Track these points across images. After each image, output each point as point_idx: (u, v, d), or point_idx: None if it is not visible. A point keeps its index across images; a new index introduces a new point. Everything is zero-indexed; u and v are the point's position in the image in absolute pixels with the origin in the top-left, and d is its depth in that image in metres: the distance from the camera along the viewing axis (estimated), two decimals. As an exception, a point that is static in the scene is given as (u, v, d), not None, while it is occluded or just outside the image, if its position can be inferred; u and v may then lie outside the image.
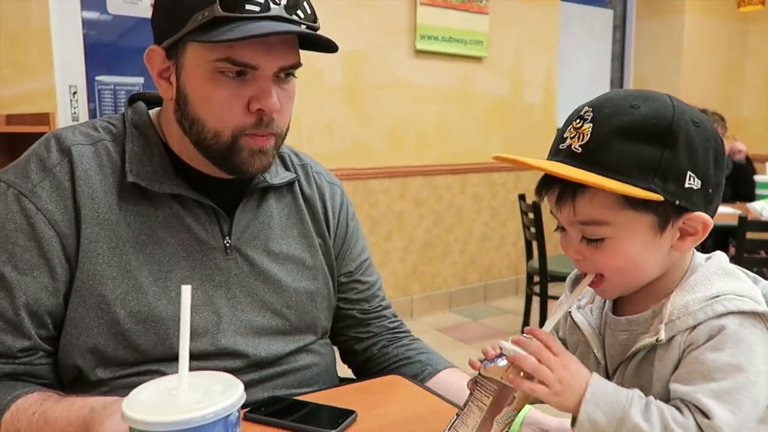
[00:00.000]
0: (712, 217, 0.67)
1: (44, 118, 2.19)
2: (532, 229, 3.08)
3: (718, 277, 0.67)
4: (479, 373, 0.68)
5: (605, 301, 0.76)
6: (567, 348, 0.81)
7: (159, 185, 0.86)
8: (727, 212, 3.06)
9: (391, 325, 1.09)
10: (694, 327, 0.64)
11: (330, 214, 1.04)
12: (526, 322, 3.40)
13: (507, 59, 3.98)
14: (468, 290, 4.03)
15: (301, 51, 0.87)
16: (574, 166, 0.64)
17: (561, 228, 0.71)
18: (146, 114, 0.91)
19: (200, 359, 0.84)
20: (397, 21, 3.48)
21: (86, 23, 2.74)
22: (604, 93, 0.69)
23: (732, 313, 0.63)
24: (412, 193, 3.70)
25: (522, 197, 3.28)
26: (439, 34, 3.62)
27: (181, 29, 0.79)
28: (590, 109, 0.66)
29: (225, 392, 0.55)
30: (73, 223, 0.81)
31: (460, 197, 3.91)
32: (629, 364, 0.69)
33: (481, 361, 0.69)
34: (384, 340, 1.07)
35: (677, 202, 0.63)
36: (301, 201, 1.01)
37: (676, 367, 0.65)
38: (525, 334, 0.68)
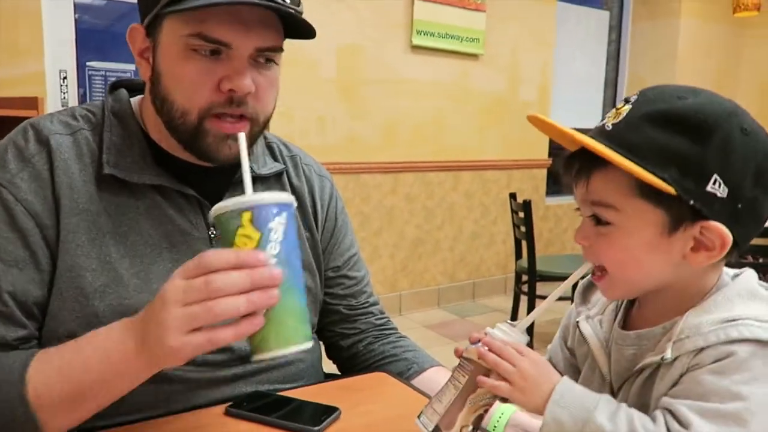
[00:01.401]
0: (742, 241, 0.62)
1: (33, 102, 2.15)
2: (522, 228, 3.08)
3: (742, 299, 0.62)
4: (461, 356, 0.68)
5: (616, 315, 0.73)
6: (576, 359, 0.79)
7: (138, 176, 0.83)
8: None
9: (378, 322, 1.08)
10: (702, 349, 0.60)
11: (318, 207, 1.02)
12: (513, 320, 3.39)
13: (503, 57, 3.97)
14: (457, 287, 4.03)
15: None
16: (597, 141, 0.61)
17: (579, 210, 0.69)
18: (127, 102, 0.89)
19: None
20: (393, 15, 3.46)
21: (79, 7, 2.71)
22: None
23: (747, 340, 0.58)
24: (404, 188, 3.69)
25: (513, 196, 3.28)
26: (436, 30, 3.61)
27: (158, 5, 0.77)
28: (638, 93, 0.64)
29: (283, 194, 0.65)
30: (53, 213, 0.79)
31: (452, 194, 3.91)
32: (634, 382, 0.67)
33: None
34: (370, 336, 1.06)
35: (691, 202, 0.59)
36: (290, 192, 0.99)
37: (673, 386, 0.62)
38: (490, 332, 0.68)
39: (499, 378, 0.65)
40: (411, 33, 3.52)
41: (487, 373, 0.66)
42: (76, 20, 2.68)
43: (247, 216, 0.61)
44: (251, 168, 0.91)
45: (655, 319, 0.67)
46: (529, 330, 3.09)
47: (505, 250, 4.16)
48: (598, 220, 0.64)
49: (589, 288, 0.77)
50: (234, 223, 0.61)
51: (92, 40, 2.78)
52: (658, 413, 0.60)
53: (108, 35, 2.85)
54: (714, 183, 0.59)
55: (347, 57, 3.35)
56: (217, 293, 0.60)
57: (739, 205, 0.60)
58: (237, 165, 0.90)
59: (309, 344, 0.64)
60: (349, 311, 1.05)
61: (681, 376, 0.61)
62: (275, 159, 1.00)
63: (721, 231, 0.60)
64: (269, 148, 1.00)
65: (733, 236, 0.60)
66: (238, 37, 0.77)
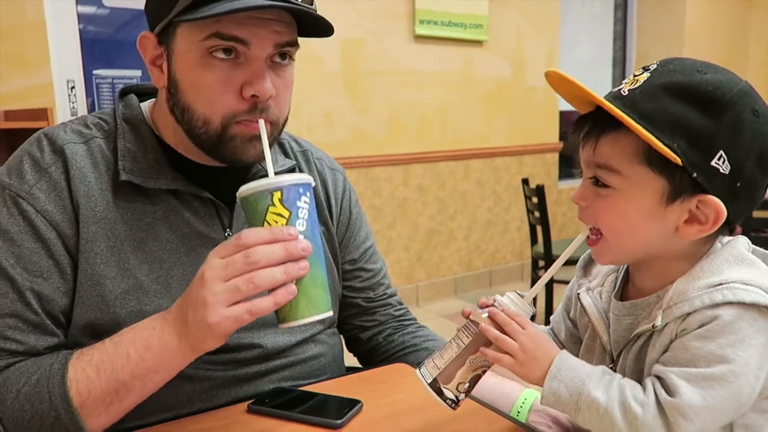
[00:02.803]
0: (734, 218, 0.63)
1: (42, 114, 2.17)
2: (536, 213, 3.06)
3: (729, 264, 0.63)
4: (468, 318, 0.70)
5: (615, 286, 0.74)
6: (578, 330, 0.80)
7: (154, 181, 0.83)
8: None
9: (397, 313, 1.07)
10: (689, 314, 0.61)
11: (333, 200, 1.02)
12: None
13: (507, 42, 3.93)
14: (473, 276, 4.02)
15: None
16: (611, 104, 0.62)
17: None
18: (138, 107, 0.89)
19: (206, 353, 0.83)
20: (395, 6, 3.44)
21: (83, 17, 2.72)
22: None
23: (731, 303, 0.59)
24: (415, 180, 3.68)
25: (525, 181, 3.26)
26: (438, 19, 3.58)
27: (170, 12, 0.77)
28: (658, 63, 0.65)
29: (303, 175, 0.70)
30: (72, 223, 0.79)
31: (464, 183, 3.89)
32: (630, 349, 0.68)
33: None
34: (390, 328, 1.06)
35: (694, 174, 0.60)
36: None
37: (664, 353, 0.63)
38: (496, 303, 0.70)
39: (500, 351, 0.67)
40: (414, 23, 3.50)
41: (489, 342, 0.67)
42: (80, 30, 2.69)
43: (277, 195, 0.67)
44: (263, 166, 0.91)
45: (649, 288, 0.68)
46: (548, 315, 3.10)
47: (520, 236, 4.14)
48: (599, 183, 0.65)
49: (591, 261, 0.79)
50: (265, 202, 0.67)
51: (98, 48, 2.79)
52: (648, 381, 0.61)
53: (113, 43, 2.86)
54: (719, 159, 0.60)
55: (351, 50, 3.34)
56: (256, 265, 0.65)
57: (738, 183, 0.61)
58: (250, 165, 0.91)
59: (330, 312, 0.70)
60: (368, 303, 1.05)
61: (671, 342, 0.62)
62: (286, 155, 1.00)
63: (717, 206, 0.61)
64: (280, 144, 1.00)
65: (728, 212, 0.62)
66: (257, 34, 0.77)
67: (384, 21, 3.42)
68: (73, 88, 2.69)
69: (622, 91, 0.64)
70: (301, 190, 0.68)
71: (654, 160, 0.61)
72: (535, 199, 3.02)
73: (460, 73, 3.75)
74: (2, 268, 0.76)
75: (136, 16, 2.76)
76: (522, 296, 0.71)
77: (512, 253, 4.19)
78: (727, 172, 0.60)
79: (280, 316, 0.68)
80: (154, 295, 0.82)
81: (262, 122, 0.76)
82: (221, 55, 0.77)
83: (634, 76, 0.65)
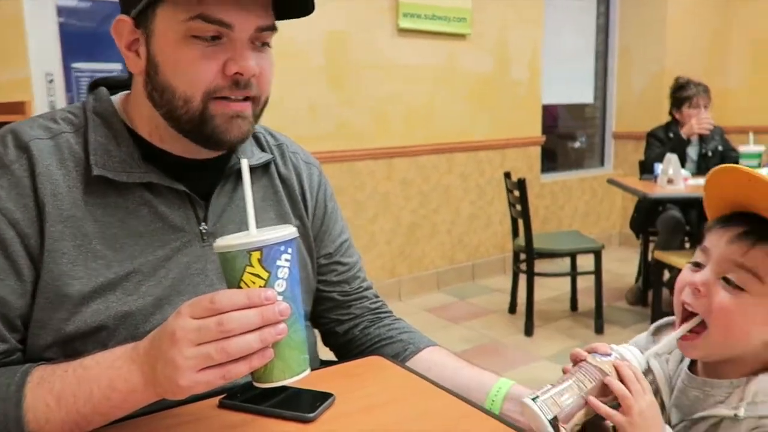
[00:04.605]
0: None
1: (19, 107, 2.13)
2: (518, 207, 3.08)
3: None
4: (586, 360, 0.72)
5: (683, 357, 0.79)
6: None
7: (127, 175, 0.82)
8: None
9: (373, 306, 1.07)
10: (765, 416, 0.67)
11: (307, 194, 1.02)
12: (513, 300, 3.41)
13: (491, 36, 3.94)
14: (456, 270, 4.03)
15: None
16: None
17: (695, 264, 0.74)
18: (109, 100, 0.87)
19: None
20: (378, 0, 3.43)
21: (62, 10, 2.68)
22: None
23: None
24: (399, 174, 3.68)
25: (507, 175, 3.27)
26: (422, 12, 3.58)
27: None
28: None
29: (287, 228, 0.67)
30: (34, 222, 0.77)
31: (447, 177, 3.90)
32: (693, 427, 0.73)
33: (588, 352, 0.73)
34: (365, 321, 1.06)
35: None
36: (278, 182, 0.99)
37: None
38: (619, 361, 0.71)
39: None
40: (397, 16, 3.50)
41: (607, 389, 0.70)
42: (60, 23, 2.66)
43: (256, 255, 0.63)
44: (239, 160, 0.91)
45: (721, 370, 0.74)
46: (529, 308, 3.11)
47: (503, 230, 4.16)
48: (730, 282, 0.69)
49: (661, 328, 0.85)
50: (242, 261, 0.63)
51: (77, 42, 2.75)
52: None
53: (93, 37, 2.82)
54: None
55: (335, 44, 3.33)
56: (230, 333, 0.62)
57: None
58: (228, 157, 0.91)
59: (307, 372, 0.68)
60: (344, 297, 1.05)
61: None
62: (262, 149, 0.99)
63: None
64: (255, 138, 0.99)
65: None
66: (240, 17, 0.77)
67: (368, 14, 3.41)
68: (51, 81, 2.66)
69: None
70: (282, 248, 0.64)
71: None
72: (516, 193, 3.04)
73: (444, 67, 3.75)
74: None
75: (117, 9, 2.72)
76: (642, 353, 0.73)
77: (495, 247, 4.21)
78: None
79: (254, 375, 0.67)
80: (122, 292, 0.81)
81: (245, 163, 0.70)
82: (205, 37, 0.77)
83: None
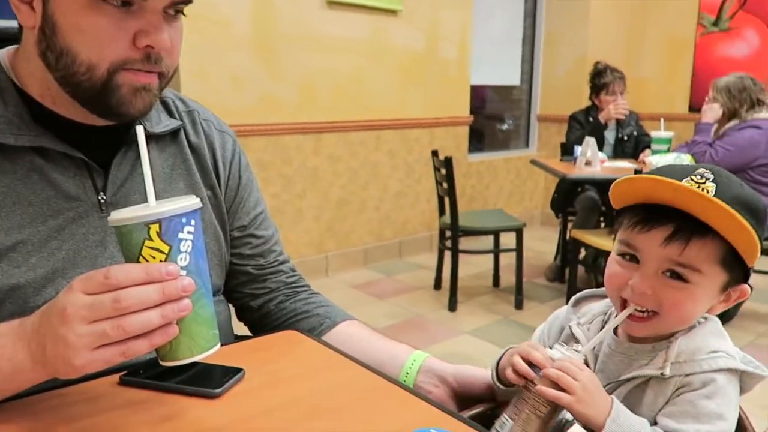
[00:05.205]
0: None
1: None
2: (445, 185, 3.11)
3: (715, 336, 0.77)
4: (533, 382, 0.74)
5: (602, 325, 0.83)
6: None
7: (15, 137, 0.75)
8: (626, 166, 3.23)
9: (289, 280, 1.05)
10: (692, 373, 0.73)
11: (220, 164, 0.97)
12: (438, 276, 3.47)
13: (422, 13, 3.93)
14: (383, 247, 4.05)
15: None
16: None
17: (624, 256, 0.76)
18: None
19: None
20: (307, -31, 3.34)
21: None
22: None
23: (723, 369, 0.73)
24: (327, 149, 3.64)
25: (435, 153, 3.30)
26: (352, -15, 3.52)
27: None
28: (713, 173, 0.71)
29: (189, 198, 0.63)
30: None
31: (375, 154, 3.89)
32: (619, 388, 0.77)
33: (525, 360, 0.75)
34: (281, 295, 1.03)
35: (750, 269, 0.74)
36: (188, 151, 0.94)
37: (665, 403, 0.74)
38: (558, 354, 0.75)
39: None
40: (327, -12, 3.42)
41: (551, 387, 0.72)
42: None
43: (155, 228, 0.59)
44: (144, 126, 0.85)
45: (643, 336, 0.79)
46: (453, 284, 3.17)
47: (430, 208, 4.21)
48: (673, 276, 0.73)
49: (580, 300, 0.90)
50: (139, 235, 0.59)
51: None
52: None
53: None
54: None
55: (261, 13, 3.22)
56: (126, 310, 0.58)
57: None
58: (130, 123, 0.85)
59: (217, 347, 0.65)
60: (258, 271, 1.02)
61: (672, 394, 0.74)
62: (171, 115, 0.94)
63: (746, 289, 0.77)
64: (164, 103, 0.94)
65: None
66: None
67: (296, -16, 3.32)
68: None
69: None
70: (184, 220, 0.60)
71: (728, 260, 0.72)
72: (443, 171, 3.07)
73: (374, 42, 3.72)
74: None
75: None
76: (578, 351, 0.76)
77: (422, 224, 4.26)
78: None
79: (159, 353, 0.63)
80: (9, 263, 0.75)
81: (140, 129, 0.65)
82: (115, 3, 0.71)
83: (698, 184, 0.70)
